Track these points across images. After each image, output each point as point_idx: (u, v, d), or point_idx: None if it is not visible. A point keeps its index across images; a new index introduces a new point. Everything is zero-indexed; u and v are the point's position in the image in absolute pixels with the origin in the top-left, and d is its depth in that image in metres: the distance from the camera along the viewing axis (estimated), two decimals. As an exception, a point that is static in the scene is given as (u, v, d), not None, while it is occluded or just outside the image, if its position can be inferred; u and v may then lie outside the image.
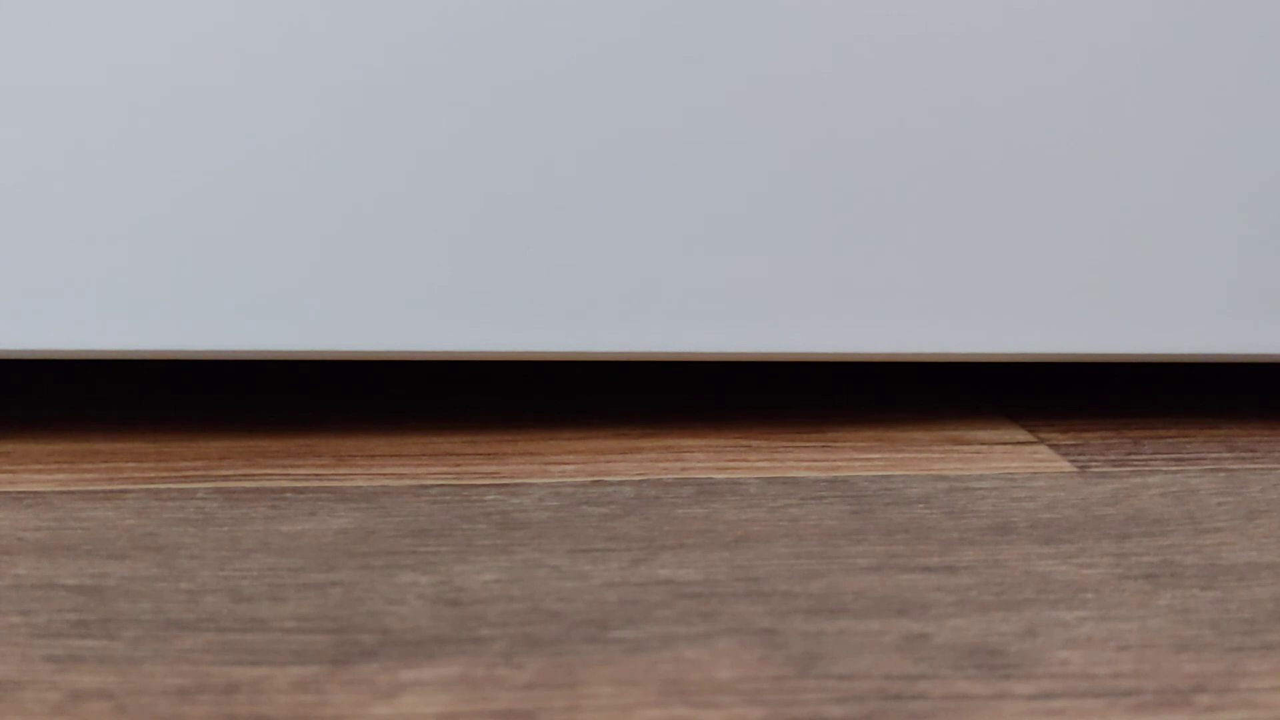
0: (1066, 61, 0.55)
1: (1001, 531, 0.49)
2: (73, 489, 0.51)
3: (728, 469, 0.54)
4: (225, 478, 0.52)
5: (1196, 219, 0.56)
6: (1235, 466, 0.56)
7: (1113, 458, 0.56)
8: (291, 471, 0.53)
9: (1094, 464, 0.56)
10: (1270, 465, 0.56)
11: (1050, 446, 0.57)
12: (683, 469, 0.54)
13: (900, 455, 0.56)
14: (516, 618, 0.42)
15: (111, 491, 0.51)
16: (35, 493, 0.50)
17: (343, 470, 0.53)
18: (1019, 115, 0.55)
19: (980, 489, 0.53)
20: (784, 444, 0.57)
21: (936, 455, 0.56)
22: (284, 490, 0.51)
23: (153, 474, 0.52)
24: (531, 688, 0.38)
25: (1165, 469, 0.55)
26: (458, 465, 0.54)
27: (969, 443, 0.58)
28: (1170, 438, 0.59)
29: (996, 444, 0.57)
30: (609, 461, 0.55)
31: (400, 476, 0.53)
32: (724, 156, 0.54)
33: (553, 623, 0.42)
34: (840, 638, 0.41)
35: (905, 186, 0.55)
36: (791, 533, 0.48)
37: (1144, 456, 0.56)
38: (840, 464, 0.55)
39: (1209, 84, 0.55)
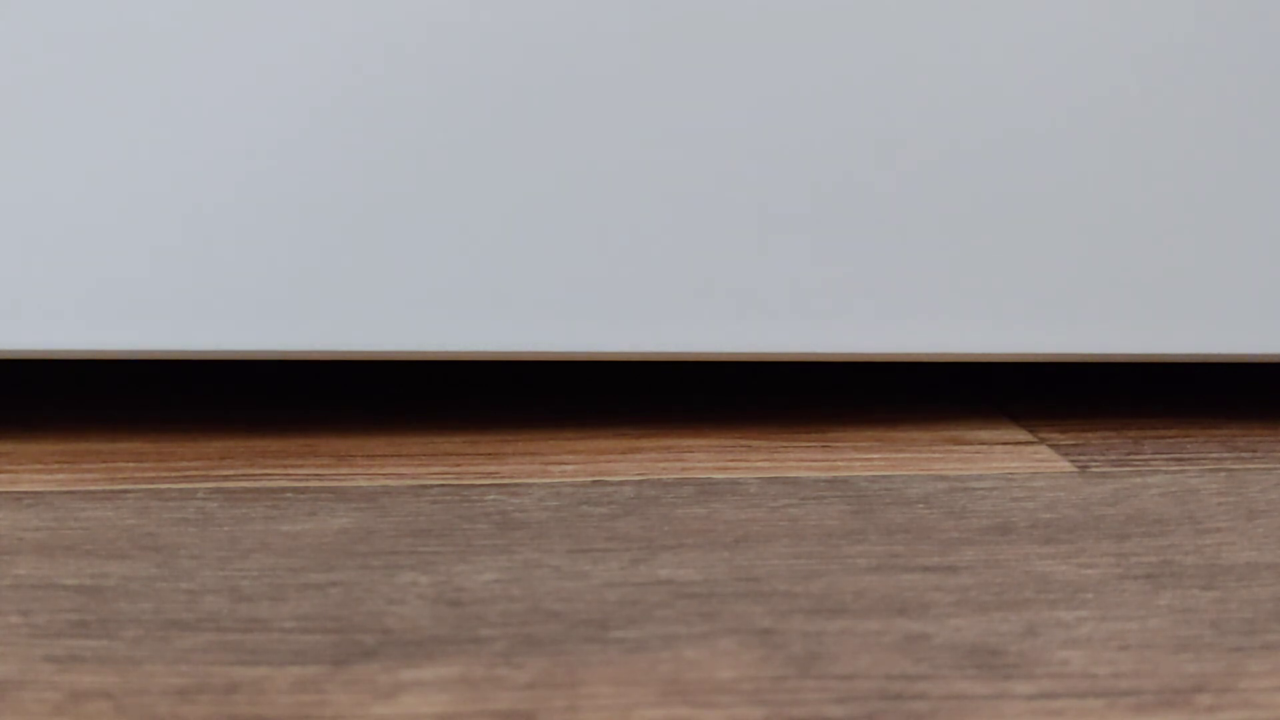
0: (1066, 60, 0.55)
1: (1001, 531, 0.49)
2: (73, 489, 0.51)
3: (728, 469, 0.54)
4: (225, 478, 0.52)
5: (1197, 219, 0.56)
6: (1235, 466, 0.56)
7: (1113, 458, 0.56)
8: (291, 471, 0.53)
9: (1094, 464, 0.56)
10: (1270, 465, 0.56)
11: (1050, 446, 0.57)
12: (683, 469, 0.54)
13: (900, 455, 0.56)
14: (516, 618, 0.42)
15: (111, 491, 0.51)
16: (35, 493, 0.50)
17: (343, 470, 0.53)
18: (1019, 115, 0.55)
19: (980, 489, 0.53)
20: (784, 444, 0.57)
21: (936, 455, 0.56)
22: (284, 490, 0.51)
23: (153, 474, 0.52)
24: (531, 688, 0.38)
25: (1165, 469, 0.55)
26: (458, 465, 0.54)
27: (969, 443, 0.58)
28: (1170, 438, 0.59)
29: (996, 444, 0.57)
30: (609, 461, 0.55)
31: (400, 476, 0.53)
32: (725, 157, 0.54)
33: (553, 623, 0.42)
34: (840, 638, 0.41)
35: (905, 187, 0.55)
36: (791, 533, 0.48)
37: (1144, 456, 0.56)
38: (840, 464, 0.55)
39: (1209, 83, 0.55)
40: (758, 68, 0.54)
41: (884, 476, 0.54)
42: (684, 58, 0.53)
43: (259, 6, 0.52)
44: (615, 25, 0.53)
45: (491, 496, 0.51)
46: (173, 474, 0.52)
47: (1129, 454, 0.57)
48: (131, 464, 0.53)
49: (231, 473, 0.53)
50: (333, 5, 0.52)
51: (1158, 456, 0.57)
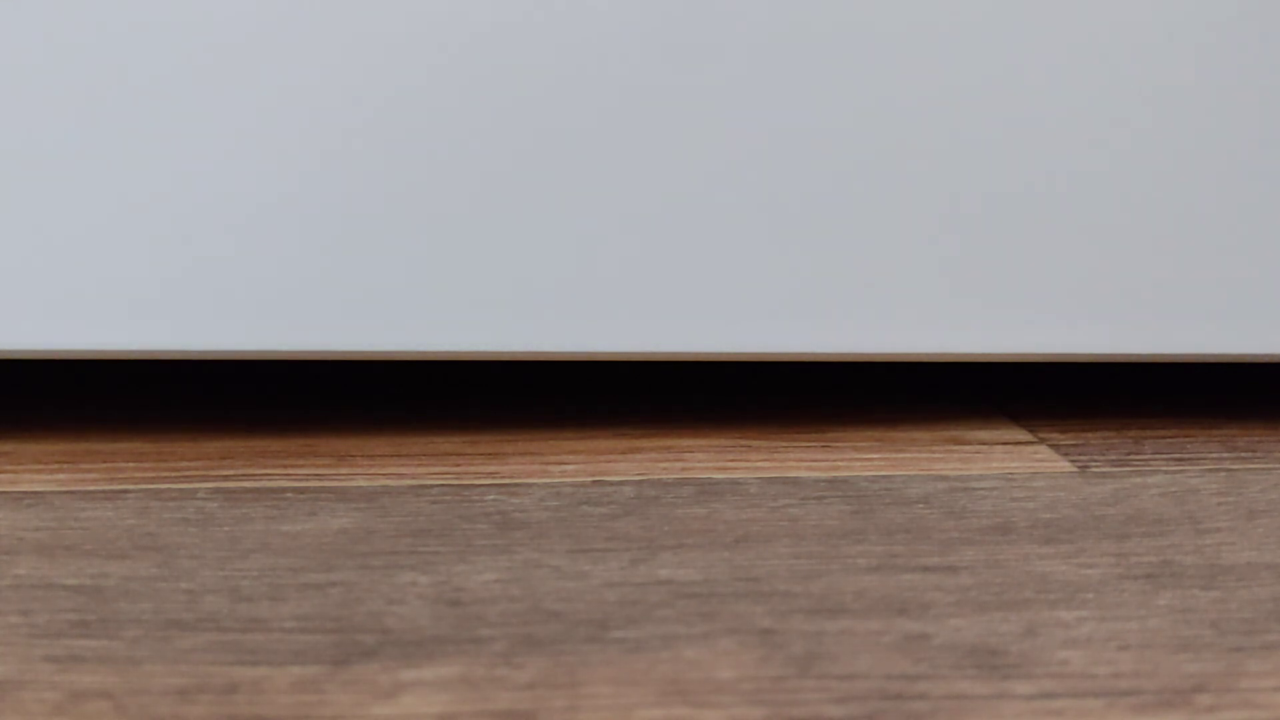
0: (1066, 62, 0.55)
1: (1001, 531, 0.49)
2: (73, 489, 0.51)
3: (728, 469, 0.54)
4: (225, 478, 0.52)
5: (1197, 219, 0.56)
6: (1235, 466, 0.56)
7: (1113, 458, 0.56)
8: (291, 471, 0.53)
9: (1094, 464, 0.56)
10: (1270, 465, 0.56)
11: (1050, 446, 0.57)
12: (683, 469, 0.54)
13: (900, 455, 0.56)
14: (516, 618, 0.42)
15: (111, 491, 0.51)
16: (35, 493, 0.50)
17: (343, 470, 0.53)
18: (1018, 115, 0.55)
19: (980, 489, 0.53)
20: (784, 444, 0.57)
21: (937, 455, 0.56)
22: (284, 490, 0.51)
23: (153, 474, 0.52)
24: (531, 688, 0.38)
25: (1165, 469, 0.55)
26: (458, 465, 0.54)
27: (969, 443, 0.58)
28: (1170, 438, 0.59)
29: (996, 444, 0.57)
30: (609, 461, 0.55)
31: (400, 476, 0.53)
32: (726, 157, 0.54)
33: (553, 623, 0.42)
34: (840, 638, 0.41)
35: (905, 187, 0.55)
36: (791, 533, 0.48)
37: (1144, 456, 0.56)
38: (840, 464, 0.55)
39: (1208, 83, 0.55)
40: (754, 72, 0.54)
41: (884, 476, 0.54)
42: (689, 63, 0.53)
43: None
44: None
45: (491, 496, 0.51)
46: (173, 474, 0.52)
47: (1129, 454, 0.57)
48: (131, 464, 0.53)
49: (231, 473, 0.53)
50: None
51: (1158, 456, 0.57)
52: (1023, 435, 0.59)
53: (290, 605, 0.42)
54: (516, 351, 0.54)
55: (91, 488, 0.51)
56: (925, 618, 0.42)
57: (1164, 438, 0.59)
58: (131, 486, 0.51)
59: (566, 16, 0.53)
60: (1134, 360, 0.57)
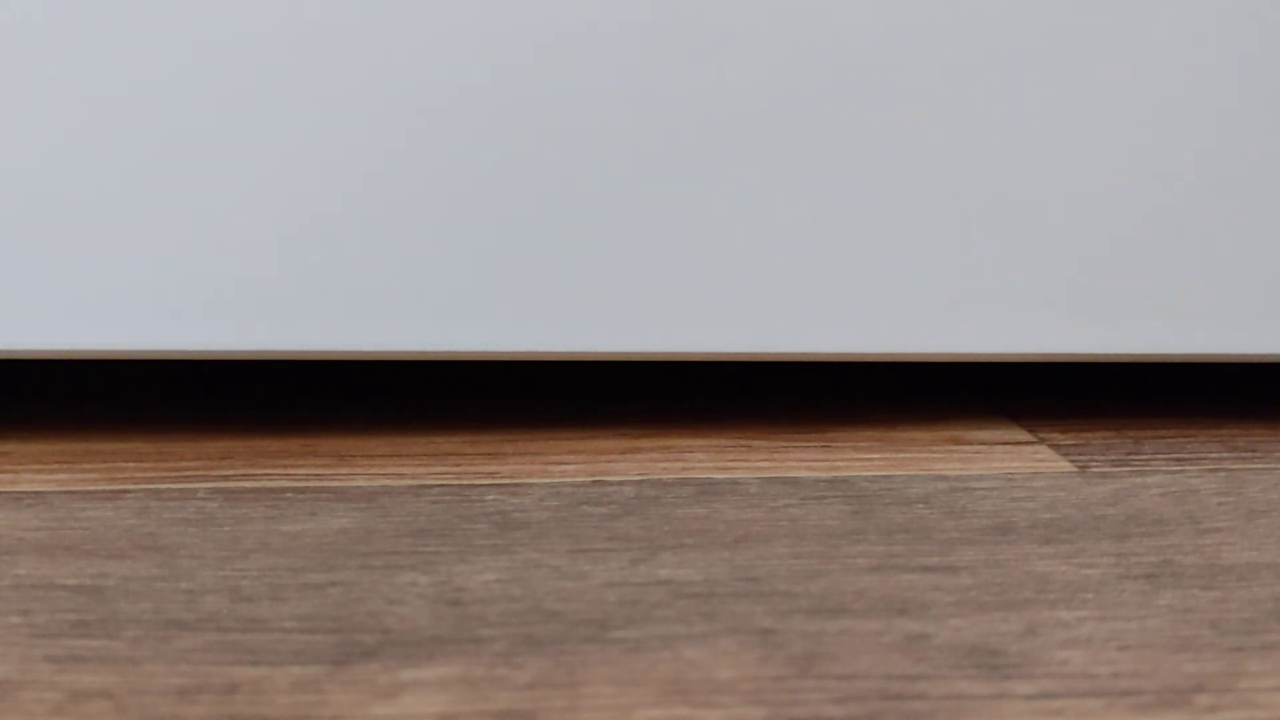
0: (1062, 61, 0.55)
1: (1001, 531, 0.49)
2: (73, 489, 0.51)
3: (728, 469, 0.54)
4: (225, 478, 0.52)
5: (1196, 219, 0.56)
6: (1235, 466, 0.56)
7: (1113, 458, 0.56)
8: (291, 471, 0.53)
9: (1094, 464, 0.56)
10: (1270, 465, 0.56)
11: (1050, 446, 0.57)
12: (683, 469, 0.54)
13: (900, 455, 0.56)
14: (516, 618, 0.42)
15: (111, 491, 0.51)
16: (35, 493, 0.50)
17: (343, 470, 0.53)
18: (1016, 113, 0.55)
19: (980, 489, 0.53)
20: (784, 444, 0.57)
21: (937, 455, 0.56)
22: (284, 490, 0.51)
23: (153, 474, 0.52)
24: (531, 688, 0.38)
25: (1165, 469, 0.55)
26: (458, 465, 0.54)
27: (969, 443, 0.58)
28: (1170, 438, 0.59)
29: (996, 444, 0.57)
30: (609, 461, 0.55)
31: (400, 476, 0.53)
32: (725, 157, 0.54)
33: (553, 623, 0.42)
34: (840, 638, 0.41)
35: (904, 186, 0.55)
36: (791, 533, 0.48)
37: (1144, 456, 0.56)
38: (840, 464, 0.55)
39: (1209, 82, 0.55)
40: (753, 74, 0.54)
41: (884, 476, 0.54)
42: (688, 65, 0.53)
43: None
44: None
45: (491, 496, 0.51)
46: (173, 474, 0.52)
47: (1129, 454, 0.57)
48: (131, 464, 0.53)
49: (231, 473, 0.53)
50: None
51: (1158, 456, 0.57)
52: (1023, 435, 0.59)
53: (290, 605, 0.42)
54: (516, 351, 0.54)
55: (91, 488, 0.51)
56: (925, 618, 0.42)
57: (1164, 438, 0.59)
58: (131, 486, 0.51)
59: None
60: (1134, 360, 0.57)
